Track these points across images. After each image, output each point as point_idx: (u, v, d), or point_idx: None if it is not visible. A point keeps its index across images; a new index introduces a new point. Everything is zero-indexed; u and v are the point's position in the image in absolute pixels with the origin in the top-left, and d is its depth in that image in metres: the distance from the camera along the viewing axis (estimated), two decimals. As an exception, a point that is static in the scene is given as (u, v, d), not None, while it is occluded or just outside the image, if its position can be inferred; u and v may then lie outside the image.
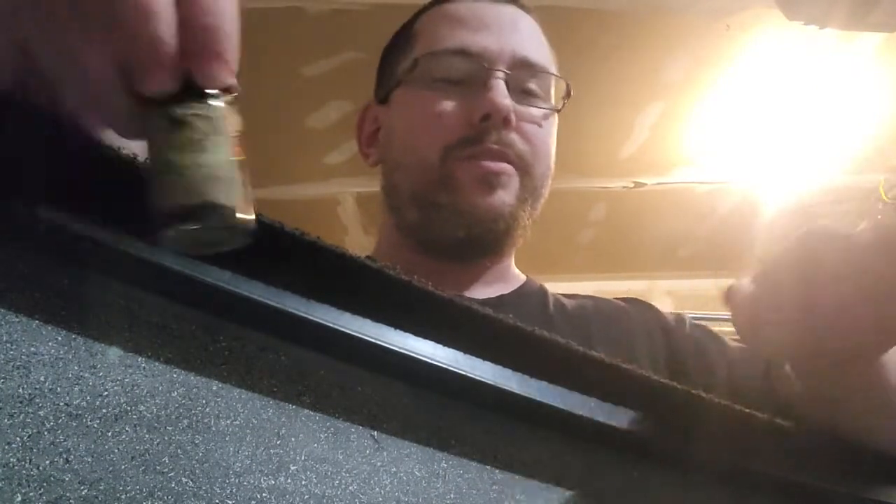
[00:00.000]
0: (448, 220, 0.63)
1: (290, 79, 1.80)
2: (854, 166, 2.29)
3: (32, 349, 0.26)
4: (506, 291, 0.69)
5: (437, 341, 0.35)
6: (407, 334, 0.34)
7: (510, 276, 0.72)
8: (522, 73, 0.66)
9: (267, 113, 1.91)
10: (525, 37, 0.68)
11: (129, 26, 0.25)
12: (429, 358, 0.34)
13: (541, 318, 0.66)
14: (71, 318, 0.28)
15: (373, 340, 0.33)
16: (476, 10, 0.68)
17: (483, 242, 0.65)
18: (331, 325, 0.32)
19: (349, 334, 0.32)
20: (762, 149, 2.23)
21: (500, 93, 0.62)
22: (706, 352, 0.65)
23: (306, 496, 0.30)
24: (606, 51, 1.82)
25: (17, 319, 0.26)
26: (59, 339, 0.27)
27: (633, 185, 2.44)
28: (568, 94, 0.70)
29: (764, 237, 2.54)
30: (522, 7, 0.71)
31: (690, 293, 2.94)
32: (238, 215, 0.26)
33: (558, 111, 0.70)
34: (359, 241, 2.51)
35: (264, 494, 0.29)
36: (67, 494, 0.25)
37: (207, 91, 0.27)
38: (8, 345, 0.26)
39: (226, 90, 0.28)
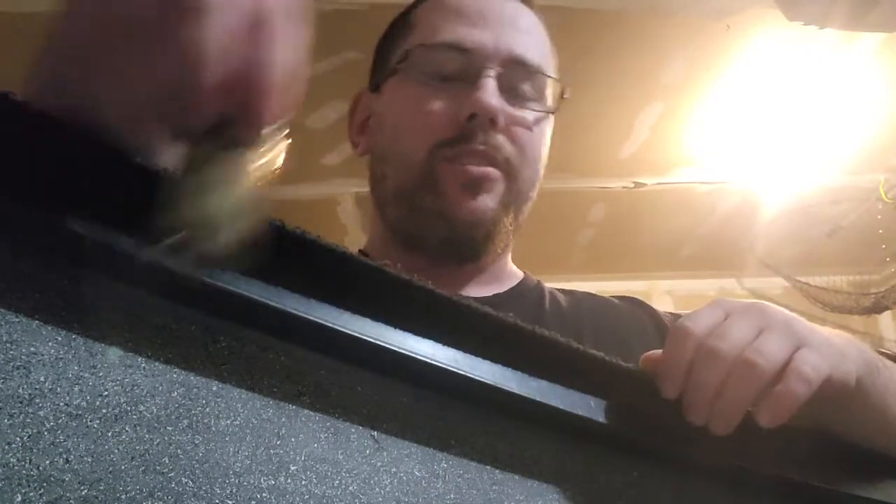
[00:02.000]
0: (429, 222, 0.62)
1: (290, 79, 1.80)
2: (854, 166, 2.29)
3: (32, 349, 0.26)
4: (500, 290, 0.68)
5: (437, 341, 0.35)
6: (407, 334, 0.34)
7: (505, 274, 0.71)
8: (516, 73, 0.64)
9: (267, 113, 1.90)
10: (524, 35, 0.65)
11: (175, 69, 0.26)
12: (428, 358, 0.34)
13: (533, 317, 0.64)
14: (71, 318, 0.27)
15: (372, 340, 0.33)
16: (476, 3, 0.65)
17: (463, 247, 0.63)
18: (331, 325, 0.32)
19: (349, 334, 0.32)
20: (762, 149, 2.23)
21: (489, 92, 0.60)
22: None
23: (306, 496, 0.30)
24: (606, 51, 1.82)
25: (17, 319, 0.26)
26: (59, 339, 0.27)
27: (632, 185, 2.44)
28: (562, 97, 0.68)
29: (764, 237, 2.55)
30: (527, 3, 0.68)
31: (690, 293, 2.95)
32: (236, 248, 0.28)
33: (552, 113, 0.68)
34: (359, 241, 2.50)
35: (264, 494, 0.29)
36: (67, 494, 0.25)
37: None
38: (8, 345, 0.26)
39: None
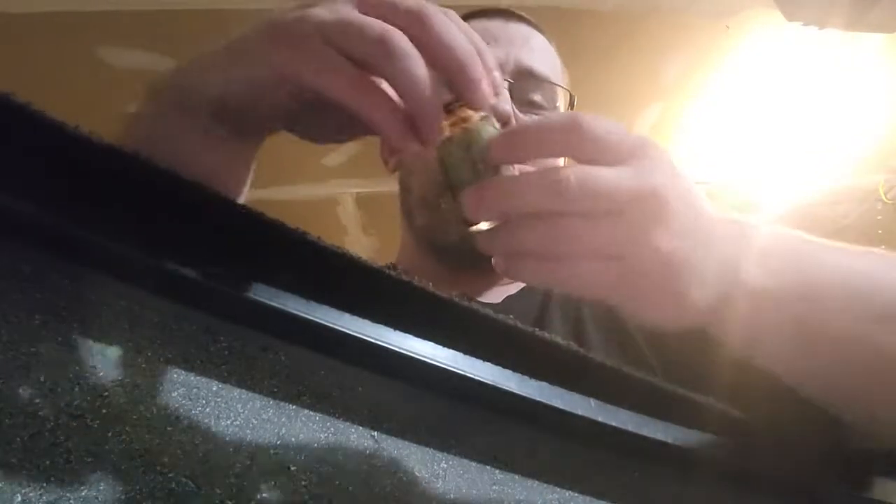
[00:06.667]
0: (445, 221, 0.64)
1: (290, 79, 1.80)
2: (854, 167, 2.30)
3: (33, 349, 0.26)
4: (512, 292, 0.70)
5: (437, 342, 0.35)
6: (407, 335, 0.34)
7: None
8: (527, 84, 0.66)
9: (267, 113, 1.90)
10: (533, 51, 0.69)
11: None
12: (429, 358, 0.34)
13: (541, 308, 0.67)
14: (72, 318, 0.28)
15: (373, 341, 0.33)
16: (488, 27, 0.69)
17: (481, 256, 0.64)
18: (331, 325, 0.32)
19: (349, 334, 0.32)
20: (761, 149, 2.23)
21: (502, 99, 0.62)
22: None
23: (306, 496, 0.30)
24: (605, 51, 1.82)
25: (19, 319, 0.26)
26: (59, 339, 0.27)
27: (632, 185, 2.44)
28: (572, 105, 0.71)
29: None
30: (535, 27, 0.73)
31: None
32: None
33: None
34: (358, 241, 2.51)
35: (264, 495, 0.29)
36: (68, 494, 0.25)
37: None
38: (8, 345, 0.26)
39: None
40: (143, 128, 0.41)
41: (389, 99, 0.33)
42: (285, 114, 0.37)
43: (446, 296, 0.35)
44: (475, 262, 0.66)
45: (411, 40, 0.33)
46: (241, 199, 0.43)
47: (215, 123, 0.38)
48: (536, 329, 0.38)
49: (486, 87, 0.34)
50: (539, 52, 0.70)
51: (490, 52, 0.36)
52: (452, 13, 0.35)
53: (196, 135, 0.38)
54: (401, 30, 0.33)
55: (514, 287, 0.71)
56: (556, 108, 0.70)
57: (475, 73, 0.34)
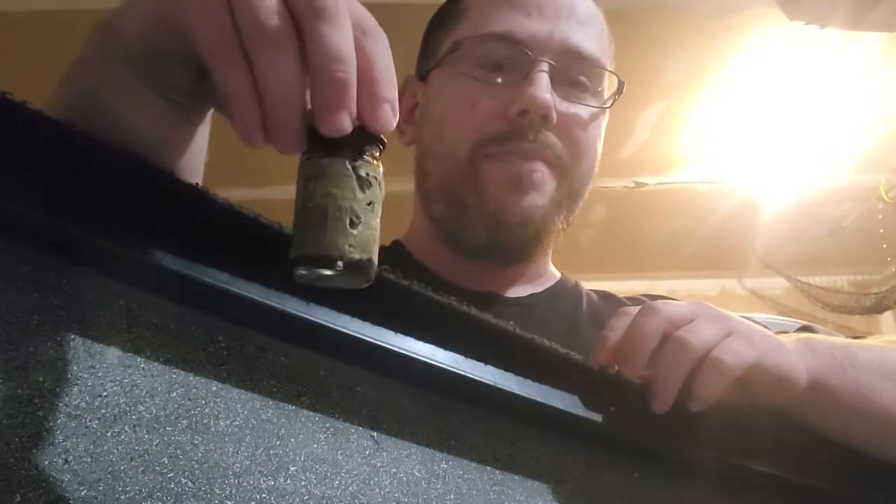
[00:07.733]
0: (473, 222, 0.59)
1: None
2: (855, 166, 2.29)
3: (31, 349, 0.26)
4: (537, 290, 0.66)
5: (437, 344, 0.35)
6: (407, 337, 0.34)
7: (544, 274, 0.69)
8: (571, 65, 0.59)
9: (267, 112, 1.90)
10: (581, 24, 0.61)
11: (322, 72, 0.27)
12: (429, 359, 0.34)
13: (571, 319, 0.64)
14: (70, 318, 0.27)
15: (372, 341, 0.33)
16: None
17: (510, 247, 0.60)
18: (331, 325, 0.32)
19: (349, 335, 0.32)
20: (763, 148, 2.23)
21: (542, 86, 0.56)
22: None
23: (306, 497, 0.30)
24: (607, 50, 1.82)
25: (17, 319, 0.26)
26: (59, 339, 0.27)
27: (633, 184, 2.44)
28: (619, 91, 0.64)
29: (765, 237, 2.54)
30: None
31: (691, 293, 2.95)
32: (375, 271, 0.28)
33: (607, 108, 0.64)
34: (359, 240, 2.51)
35: (264, 495, 0.29)
36: (66, 495, 0.25)
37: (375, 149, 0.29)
38: (7, 345, 0.26)
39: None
40: (78, 77, 0.36)
41: (249, 80, 0.28)
42: (192, 72, 0.32)
43: (446, 300, 0.35)
44: (502, 259, 0.62)
45: (302, 33, 0.28)
46: (192, 175, 0.37)
47: (132, 74, 0.33)
48: (535, 336, 0.38)
49: (341, 117, 0.27)
50: (587, 26, 0.61)
51: (392, 85, 0.29)
52: (379, 33, 0.30)
53: (119, 87, 0.33)
54: (297, 17, 0.28)
55: (540, 285, 0.67)
56: (599, 91, 0.62)
57: (334, 95, 0.27)
